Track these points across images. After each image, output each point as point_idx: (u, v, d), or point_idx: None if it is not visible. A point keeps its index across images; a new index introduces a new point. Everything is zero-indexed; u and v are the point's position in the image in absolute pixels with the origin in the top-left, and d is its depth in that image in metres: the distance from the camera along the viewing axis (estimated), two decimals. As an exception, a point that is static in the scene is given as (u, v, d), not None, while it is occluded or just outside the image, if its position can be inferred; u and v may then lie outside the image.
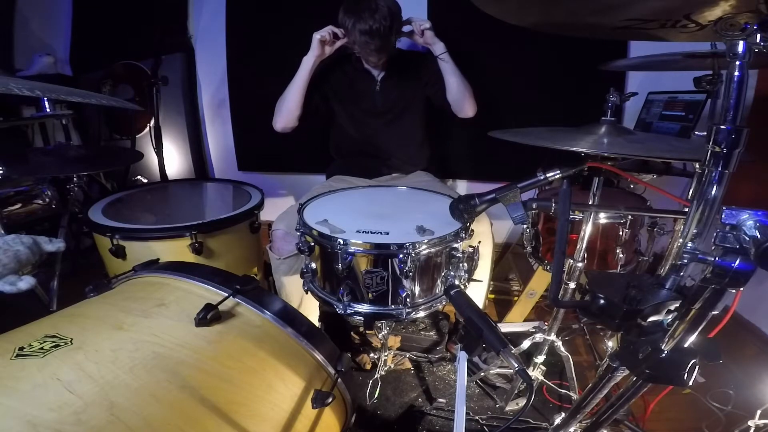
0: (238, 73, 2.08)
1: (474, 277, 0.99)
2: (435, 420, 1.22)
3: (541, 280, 1.47)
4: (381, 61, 1.44)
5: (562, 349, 1.15)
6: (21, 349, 0.54)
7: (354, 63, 1.51)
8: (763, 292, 1.40)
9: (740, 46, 0.49)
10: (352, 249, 0.83)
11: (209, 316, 0.65)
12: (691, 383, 0.60)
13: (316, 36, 1.37)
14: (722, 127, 0.51)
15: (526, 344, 1.17)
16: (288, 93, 1.44)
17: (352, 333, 1.48)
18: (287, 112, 1.45)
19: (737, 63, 0.50)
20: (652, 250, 1.28)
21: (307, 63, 1.40)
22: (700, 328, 0.56)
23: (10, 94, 0.75)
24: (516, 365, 0.68)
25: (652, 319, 0.60)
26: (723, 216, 0.48)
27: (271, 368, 0.67)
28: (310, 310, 1.34)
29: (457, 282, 0.90)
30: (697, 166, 0.59)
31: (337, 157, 1.68)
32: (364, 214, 1.01)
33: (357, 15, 1.28)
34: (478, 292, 1.32)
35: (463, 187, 2.09)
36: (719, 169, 0.52)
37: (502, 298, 1.86)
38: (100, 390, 0.50)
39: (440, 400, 1.29)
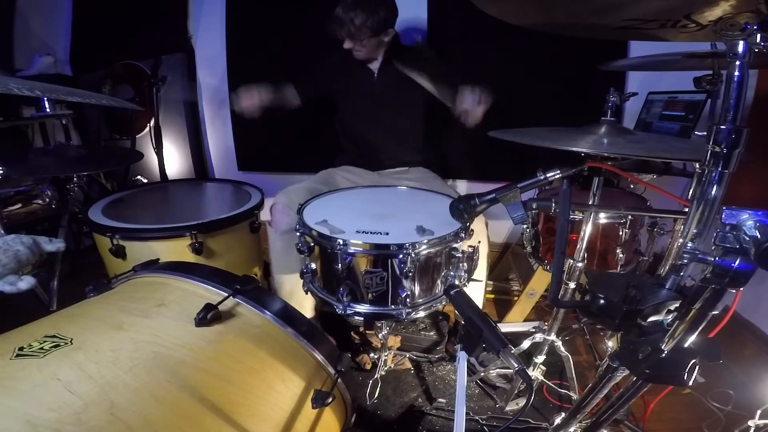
0: (238, 73, 2.08)
1: (473, 277, 0.99)
2: (435, 420, 1.22)
3: (541, 280, 1.47)
4: (370, 57, 1.46)
5: (562, 349, 1.15)
6: (21, 349, 0.54)
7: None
8: (763, 292, 1.40)
9: (740, 46, 0.49)
10: (351, 249, 0.83)
11: (209, 316, 0.65)
12: (691, 383, 0.60)
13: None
14: (722, 127, 0.51)
15: (526, 344, 1.17)
16: None
17: (352, 333, 1.48)
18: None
19: (737, 63, 0.49)
20: (652, 250, 1.28)
21: None
22: (700, 328, 0.56)
23: (10, 94, 0.74)
24: (516, 365, 0.68)
25: (652, 319, 0.60)
26: (723, 216, 0.48)
27: (271, 368, 0.67)
28: (304, 303, 1.34)
29: (457, 282, 0.90)
30: (697, 166, 0.59)
31: (342, 146, 1.70)
32: (363, 214, 1.01)
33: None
34: (476, 291, 1.32)
35: (463, 187, 2.09)
36: (719, 169, 0.52)
37: (502, 298, 1.86)
38: (100, 390, 0.50)
39: (440, 400, 1.29)
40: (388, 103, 1.54)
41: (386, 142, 1.59)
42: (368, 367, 1.40)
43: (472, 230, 0.96)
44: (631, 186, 1.38)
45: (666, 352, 0.59)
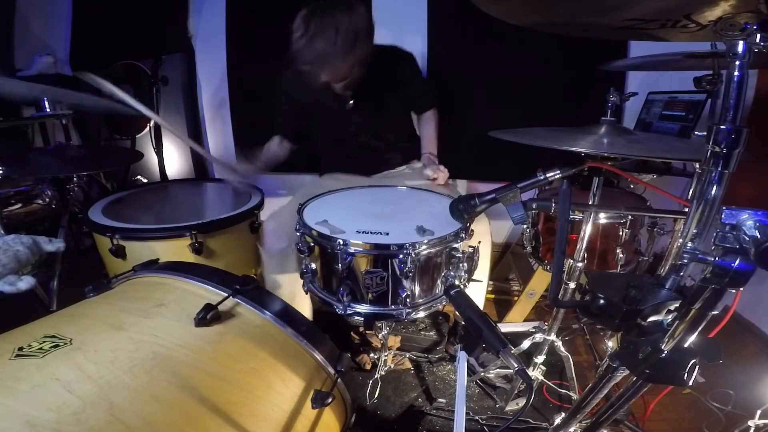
0: (238, 73, 2.08)
1: (473, 277, 0.99)
2: (435, 420, 1.22)
3: (541, 280, 1.47)
4: (340, 85, 1.24)
5: (562, 349, 1.15)
6: (20, 349, 0.54)
7: None
8: (763, 292, 1.40)
9: (740, 46, 0.49)
10: (351, 249, 0.83)
11: (209, 316, 0.65)
12: (691, 383, 0.60)
13: None
14: (722, 127, 0.51)
15: (526, 344, 1.17)
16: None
17: (352, 333, 1.48)
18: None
19: (737, 63, 0.49)
20: (652, 250, 1.28)
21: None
22: (700, 328, 0.56)
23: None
24: (516, 365, 0.68)
25: (652, 319, 0.60)
26: (723, 216, 0.48)
27: (270, 368, 0.67)
28: (300, 309, 1.34)
29: (457, 282, 0.90)
30: (697, 166, 0.59)
31: (328, 153, 1.64)
32: (363, 214, 1.01)
33: (310, 30, 1.09)
34: (477, 292, 1.32)
35: (463, 187, 2.09)
36: (719, 169, 0.52)
37: (502, 298, 1.86)
38: (99, 390, 0.50)
39: (440, 400, 1.29)
40: (369, 112, 1.42)
41: (374, 150, 1.51)
42: (368, 367, 1.40)
43: (472, 230, 0.95)
44: (631, 186, 1.38)
45: (666, 352, 0.59)
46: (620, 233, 1.18)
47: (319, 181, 1.57)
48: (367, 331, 1.44)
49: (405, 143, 1.58)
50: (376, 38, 1.24)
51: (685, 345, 0.58)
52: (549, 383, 1.23)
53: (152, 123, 1.88)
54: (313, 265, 0.95)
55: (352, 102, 1.38)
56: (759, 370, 1.24)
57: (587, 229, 0.98)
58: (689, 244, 0.54)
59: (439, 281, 0.91)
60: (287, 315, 0.74)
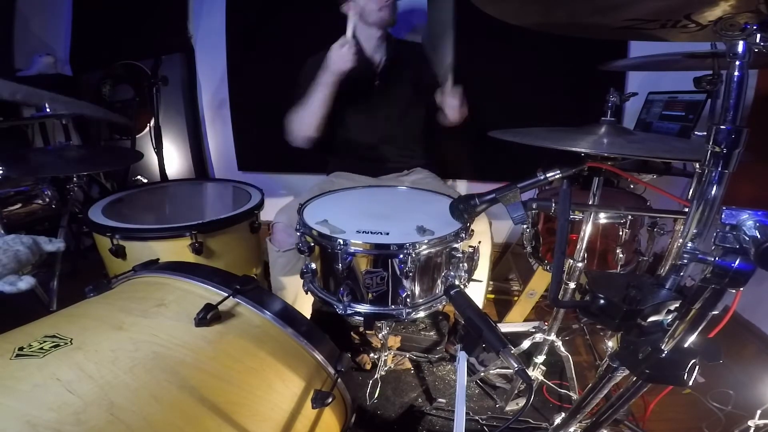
0: (238, 73, 2.08)
1: (473, 277, 0.99)
2: (435, 420, 1.22)
3: (541, 280, 1.47)
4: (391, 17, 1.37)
5: (562, 349, 1.15)
6: (21, 349, 0.54)
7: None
8: (763, 292, 1.40)
9: (740, 46, 0.49)
10: (352, 249, 0.83)
11: (209, 316, 0.65)
12: (691, 383, 0.60)
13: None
14: (722, 127, 0.51)
15: (526, 344, 1.17)
16: (307, 110, 1.36)
17: (352, 333, 1.48)
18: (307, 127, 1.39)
19: (737, 63, 0.49)
20: (652, 250, 1.28)
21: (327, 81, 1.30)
22: (700, 328, 0.56)
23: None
24: (516, 365, 0.68)
25: (652, 319, 0.60)
26: (723, 216, 0.48)
27: (271, 368, 0.67)
28: (304, 308, 1.34)
29: (457, 282, 0.90)
30: (697, 166, 0.59)
31: (337, 151, 1.65)
32: (364, 214, 1.01)
33: None
34: (477, 292, 1.32)
35: (463, 187, 2.09)
36: (719, 169, 0.52)
37: (502, 298, 1.86)
38: (99, 390, 0.50)
39: (440, 400, 1.29)
40: (389, 105, 1.50)
41: (385, 146, 1.55)
42: (368, 367, 1.40)
43: (473, 230, 0.95)
44: (631, 186, 1.38)
45: (666, 352, 0.59)
46: (620, 233, 1.18)
47: (327, 180, 1.58)
48: (367, 331, 1.44)
49: (417, 147, 1.59)
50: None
51: (685, 345, 0.58)
52: (549, 383, 1.23)
53: (152, 123, 1.88)
54: (314, 265, 0.95)
55: (378, 83, 1.43)
56: (759, 370, 1.24)
57: (587, 229, 0.98)
58: (689, 244, 0.54)
59: (439, 281, 0.91)
60: (287, 315, 0.74)
